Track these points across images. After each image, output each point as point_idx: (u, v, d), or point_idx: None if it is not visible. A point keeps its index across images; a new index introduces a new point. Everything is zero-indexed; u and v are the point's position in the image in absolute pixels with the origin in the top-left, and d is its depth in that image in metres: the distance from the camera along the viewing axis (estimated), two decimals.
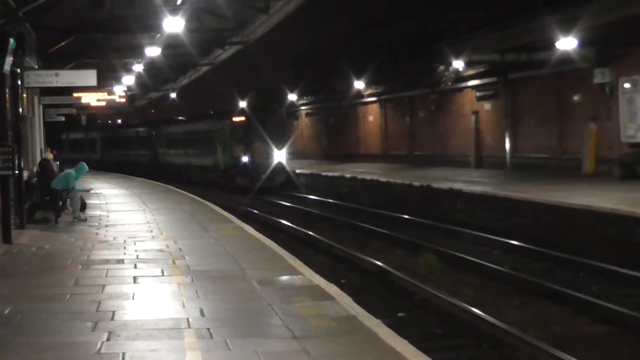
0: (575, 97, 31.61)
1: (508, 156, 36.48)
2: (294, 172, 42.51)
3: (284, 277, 12.99)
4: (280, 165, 41.82)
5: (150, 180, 45.20)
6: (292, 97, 54.45)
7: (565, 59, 28.15)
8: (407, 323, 13.03)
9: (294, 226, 26.21)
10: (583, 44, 26.32)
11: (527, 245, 20.36)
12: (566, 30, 24.86)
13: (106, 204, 28.00)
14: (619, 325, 12.80)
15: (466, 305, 13.73)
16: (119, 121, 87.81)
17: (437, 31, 37.49)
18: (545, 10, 25.78)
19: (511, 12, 29.15)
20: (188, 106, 65.59)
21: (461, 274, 17.71)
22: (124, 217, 23.47)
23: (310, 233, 24.14)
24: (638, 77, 27.69)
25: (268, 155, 41.57)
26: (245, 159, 41.97)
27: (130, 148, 66.99)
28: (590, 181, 27.47)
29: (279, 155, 41.87)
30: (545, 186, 25.83)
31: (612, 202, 20.32)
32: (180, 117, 59.87)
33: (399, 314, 13.88)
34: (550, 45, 26.91)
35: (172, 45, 28.39)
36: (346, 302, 10.91)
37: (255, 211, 31.19)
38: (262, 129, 41.57)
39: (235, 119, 43.60)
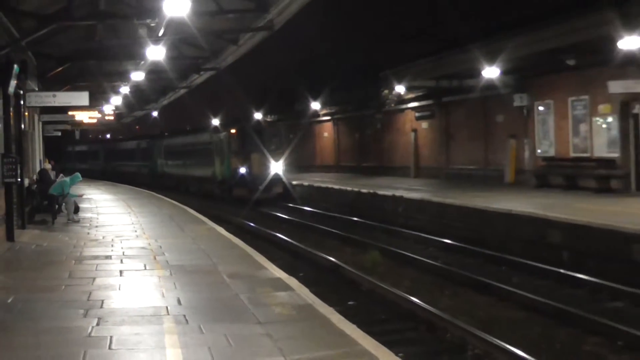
0: (498, 118, 31.95)
1: (442, 167, 36.74)
2: (290, 183, 37.56)
3: (251, 271, 12.96)
4: (277, 177, 36.51)
5: (136, 188, 44.72)
6: (257, 115, 54.04)
7: (490, 85, 28.45)
8: (355, 310, 13.05)
9: (258, 227, 26.21)
10: (505, 73, 26.60)
11: (457, 243, 20.52)
12: (490, 61, 25.11)
13: (96, 207, 27.73)
14: (534, 311, 12.96)
15: (406, 294, 13.81)
16: (108, 135, 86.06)
17: (382, 60, 37.69)
18: (472, 44, 26.03)
19: (445, 45, 29.38)
20: (168, 123, 64.67)
21: (401, 267, 17.80)
22: (111, 219, 23.26)
23: (274, 233, 24.18)
24: (550, 101, 28.13)
25: (265, 167, 36.48)
26: (242, 170, 36.71)
27: (130, 159, 62.14)
28: (511, 189, 27.78)
29: (276, 167, 36.67)
30: (473, 193, 26.04)
31: (528, 207, 20.56)
32: (178, 130, 55.38)
33: (349, 302, 13.87)
34: (477, 74, 27.17)
35: (154, 70, 28.18)
36: (304, 293, 10.94)
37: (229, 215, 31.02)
38: (259, 141, 36.83)
39: (233, 131, 38.24)
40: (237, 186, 36.78)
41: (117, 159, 67.45)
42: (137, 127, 77.51)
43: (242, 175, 36.76)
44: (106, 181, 53.15)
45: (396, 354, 7.91)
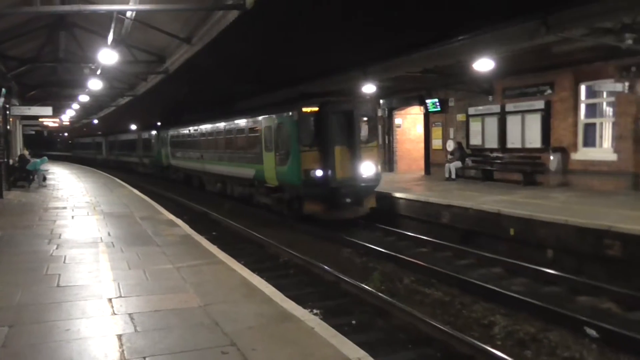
0: None
1: None
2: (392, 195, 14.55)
3: (154, 215, 12.62)
4: (373, 184, 13.78)
5: (87, 167, 41.54)
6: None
7: None
8: (217, 238, 12.90)
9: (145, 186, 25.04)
10: None
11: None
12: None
13: (57, 178, 25.93)
14: (314, 236, 13.37)
15: (247, 229, 13.89)
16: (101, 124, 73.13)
17: (236, 95, 37.21)
18: (281, 87, 26.08)
19: (264, 88, 28.96)
20: (103, 126, 59.13)
21: (242, 215, 17.71)
22: (67, 185, 21.82)
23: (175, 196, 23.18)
24: None
25: (355, 168, 13.36)
26: (319, 172, 13.24)
27: (132, 149, 37.74)
28: None
29: (369, 168, 13.57)
30: None
31: None
32: (197, 112, 28.07)
33: (213, 233, 13.75)
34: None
35: (94, 95, 26.39)
36: (186, 228, 10.80)
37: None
38: (347, 127, 13.36)
39: (307, 109, 13.29)
40: (311, 198, 13.62)
41: (118, 148, 42.47)
42: (84, 129, 70.59)
43: (320, 179, 13.41)
44: (105, 168, 38.94)
45: (239, 262, 8.04)
